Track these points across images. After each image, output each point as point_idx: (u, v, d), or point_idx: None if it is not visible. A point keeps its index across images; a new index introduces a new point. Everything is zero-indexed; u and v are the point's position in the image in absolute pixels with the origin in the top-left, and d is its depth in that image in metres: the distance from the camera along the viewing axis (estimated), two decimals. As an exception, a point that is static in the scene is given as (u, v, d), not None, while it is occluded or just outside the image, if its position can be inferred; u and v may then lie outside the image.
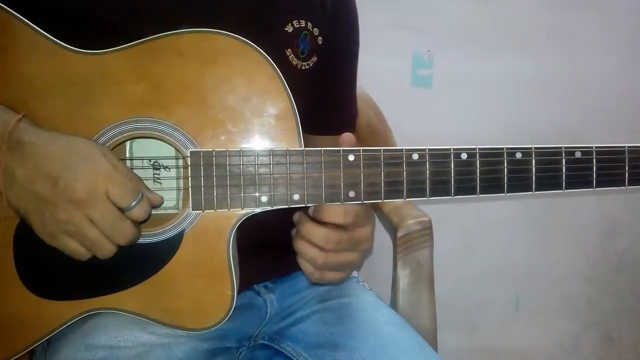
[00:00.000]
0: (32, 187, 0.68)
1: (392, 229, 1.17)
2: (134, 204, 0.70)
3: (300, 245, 0.76)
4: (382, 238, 1.30)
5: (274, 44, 0.77)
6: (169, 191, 0.80)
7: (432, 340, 1.10)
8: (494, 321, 1.77)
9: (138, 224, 0.72)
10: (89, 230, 0.69)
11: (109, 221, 0.69)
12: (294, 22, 0.86)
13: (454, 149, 0.76)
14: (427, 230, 1.14)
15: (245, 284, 0.86)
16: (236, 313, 0.82)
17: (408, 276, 1.13)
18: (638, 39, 1.66)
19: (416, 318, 1.10)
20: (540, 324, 1.79)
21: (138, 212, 0.70)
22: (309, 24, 0.88)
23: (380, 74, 1.49)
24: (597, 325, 1.83)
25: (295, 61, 0.87)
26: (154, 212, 0.78)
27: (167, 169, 0.80)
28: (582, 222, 1.75)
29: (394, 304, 1.13)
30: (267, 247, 0.91)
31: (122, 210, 0.70)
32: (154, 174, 0.80)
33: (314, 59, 0.89)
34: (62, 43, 0.75)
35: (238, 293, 0.79)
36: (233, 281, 0.77)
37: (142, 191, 0.71)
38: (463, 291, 1.71)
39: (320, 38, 0.89)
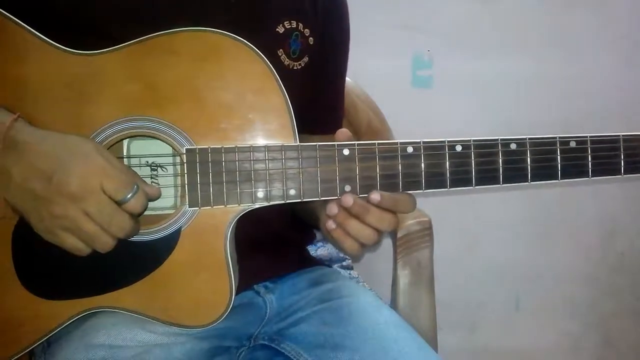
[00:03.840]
0: (28, 185, 0.69)
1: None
2: (129, 196, 0.70)
3: (356, 226, 0.75)
4: (382, 238, 1.31)
5: (265, 44, 0.78)
6: (167, 191, 0.80)
7: (432, 340, 1.10)
8: (494, 321, 1.77)
9: (135, 216, 0.72)
10: (85, 224, 0.69)
11: (105, 214, 0.69)
12: (285, 22, 0.88)
13: (448, 141, 0.76)
14: (427, 230, 1.14)
15: (245, 284, 0.86)
16: (235, 312, 0.82)
17: (408, 276, 1.13)
18: (638, 39, 1.66)
19: (416, 318, 1.10)
20: (540, 324, 1.79)
21: (134, 204, 0.71)
22: (300, 24, 0.89)
23: (380, 74, 1.50)
24: (597, 326, 1.83)
25: (287, 61, 0.88)
26: (152, 212, 0.79)
27: (164, 169, 0.80)
28: (582, 222, 1.75)
29: (394, 304, 1.13)
30: (267, 246, 0.91)
31: (118, 203, 0.70)
32: (151, 174, 0.80)
33: (306, 59, 0.91)
34: (56, 44, 0.76)
35: (238, 293, 0.79)
36: (231, 278, 0.77)
37: (137, 183, 0.71)
38: (463, 291, 1.71)
39: (311, 39, 0.91)
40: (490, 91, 1.60)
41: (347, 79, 1.22)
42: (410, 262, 1.13)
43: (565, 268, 1.76)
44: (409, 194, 0.76)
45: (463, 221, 1.68)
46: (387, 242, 1.23)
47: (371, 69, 1.47)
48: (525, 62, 1.59)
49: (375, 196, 0.74)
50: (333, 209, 0.75)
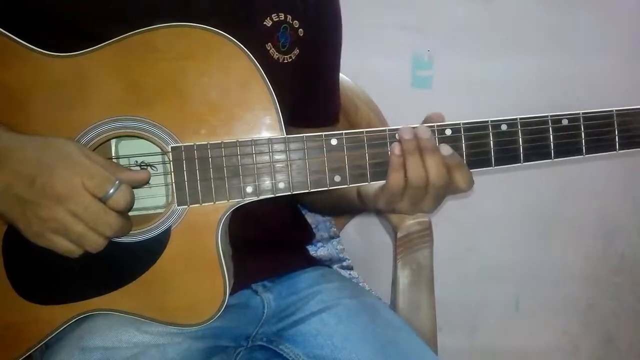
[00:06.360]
0: (11, 191, 0.69)
1: (392, 230, 1.17)
2: (111, 191, 0.69)
3: (415, 161, 0.73)
4: (382, 238, 1.31)
5: (253, 39, 0.77)
6: (157, 190, 0.80)
7: (431, 340, 1.10)
8: (494, 321, 1.77)
9: (123, 213, 0.72)
10: (73, 224, 0.69)
11: (90, 213, 0.69)
12: (273, 15, 0.87)
13: (437, 126, 0.76)
14: (426, 230, 1.14)
15: (242, 283, 0.86)
16: (232, 312, 0.82)
17: (408, 277, 1.13)
18: (638, 39, 1.66)
19: (416, 319, 1.10)
20: (540, 324, 1.78)
21: (117, 200, 0.70)
22: (289, 16, 0.88)
23: (380, 74, 1.49)
24: (597, 326, 1.82)
25: (276, 55, 0.88)
26: (144, 212, 0.78)
27: (154, 168, 0.80)
28: (582, 222, 1.75)
29: (393, 305, 1.13)
30: (265, 245, 0.91)
31: (102, 200, 0.70)
32: None
33: (296, 51, 0.90)
34: (36, 48, 0.75)
35: (235, 292, 0.79)
36: (225, 275, 0.76)
37: (119, 179, 0.71)
38: (463, 291, 1.70)
39: (301, 30, 0.89)
40: (490, 91, 1.60)
41: (347, 79, 1.22)
42: (410, 262, 1.13)
43: (565, 268, 1.76)
44: (470, 172, 0.75)
45: (463, 221, 1.68)
46: (387, 242, 1.23)
47: (371, 69, 1.46)
48: (525, 62, 1.59)
49: (447, 148, 0.74)
50: (408, 133, 0.73)
